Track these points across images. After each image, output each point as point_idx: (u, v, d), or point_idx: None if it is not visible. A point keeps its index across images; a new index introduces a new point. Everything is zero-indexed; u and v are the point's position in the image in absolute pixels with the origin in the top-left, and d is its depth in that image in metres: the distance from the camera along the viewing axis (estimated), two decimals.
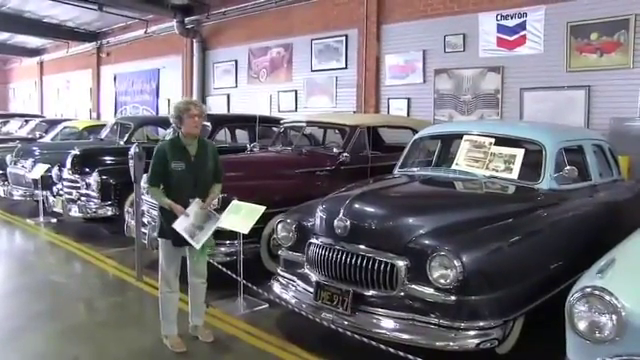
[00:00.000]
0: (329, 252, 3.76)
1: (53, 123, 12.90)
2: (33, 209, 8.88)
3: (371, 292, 3.54)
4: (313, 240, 3.96)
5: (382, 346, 3.36)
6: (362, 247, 3.62)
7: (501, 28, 8.08)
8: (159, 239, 3.95)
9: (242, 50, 12.53)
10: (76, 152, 7.77)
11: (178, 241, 3.84)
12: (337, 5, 10.36)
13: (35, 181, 8.33)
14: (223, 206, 4.64)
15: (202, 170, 3.90)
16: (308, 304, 3.86)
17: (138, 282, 5.44)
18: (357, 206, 3.76)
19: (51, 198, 8.14)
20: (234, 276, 4.68)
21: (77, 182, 7.56)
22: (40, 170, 8.14)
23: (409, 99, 9.34)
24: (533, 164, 4.45)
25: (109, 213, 7.33)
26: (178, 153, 3.82)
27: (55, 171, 8.00)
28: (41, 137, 11.99)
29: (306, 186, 5.79)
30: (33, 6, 14.84)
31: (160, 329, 3.98)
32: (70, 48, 19.08)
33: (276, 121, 8.44)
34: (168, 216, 3.81)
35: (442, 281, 3.27)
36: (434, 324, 3.31)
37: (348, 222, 3.68)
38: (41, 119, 14.64)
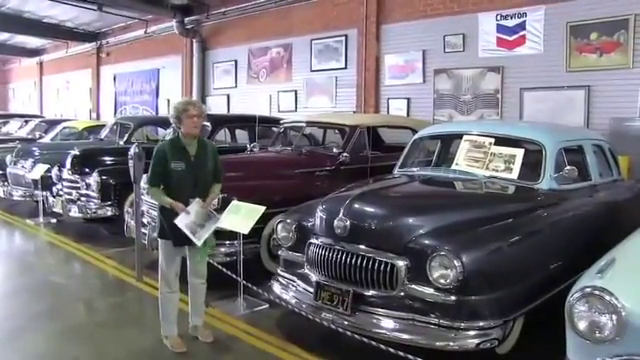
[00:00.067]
0: (329, 252, 3.76)
1: (53, 123, 12.90)
2: (33, 209, 8.88)
3: (371, 292, 3.55)
4: (313, 240, 3.96)
5: (382, 346, 3.36)
6: (362, 247, 3.62)
7: (501, 28, 8.08)
8: (159, 239, 3.95)
9: (242, 50, 12.52)
10: (76, 152, 7.77)
11: (178, 241, 3.84)
12: (337, 5, 10.35)
13: (35, 181, 8.32)
14: (223, 206, 4.64)
15: (202, 170, 3.90)
16: (308, 304, 3.86)
17: (138, 282, 5.44)
18: (357, 206, 3.76)
19: (51, 198, 8.14)
20: (234, 276, 4.68)
21: (77, 182, 7.55)
22: (40, 170, 8.13)
23: (409, 99, 9.34)
24: (533, 164, 4.45)
25: (109, 213, 7.33)
26: (178, 153, 3.82)
27: (55, 171, 7.99)
28: (41, 137, 11.98)
29: (306, 186, 5.79)
30: (32, 6, 14.83)
31: (160, 329, 3.98)
32: (70, 48, 19.07)
33: (276, 121, 8.44)
34: (168, 216, 3.81)
35: (442, 281, 3.28)
36: (434, 324, 3.31)
37: (348, 222, 3.68)
38: (41, 119, 14.63)
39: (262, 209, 4.44)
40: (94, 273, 6.01)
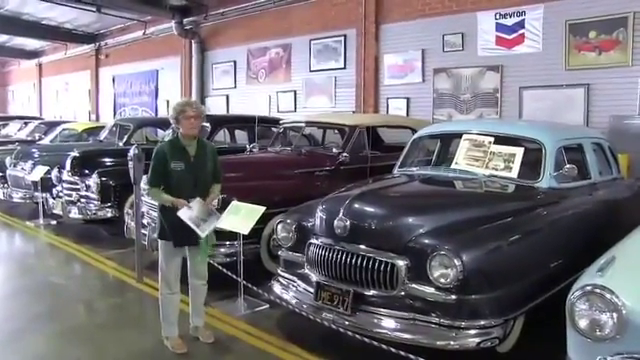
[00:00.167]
0: (329, 252, 3.76)
1: (52, 125, 12.88)
2: (33, 211, 8.87)
3: (371, 292, 3.54)
4: (313, 240, 3.96)
5: (383, 346, 3.36)
6: (362, 247, 3.62)
7: (500, 27, 8.08)
8: (159, 240, 3.95)
9: (241, 51, 12.53)
10: (75, 154, 7.77)
11: (179, 242, 3.84)
12: (335, 5, 10.36)
13: (35, 183, 8.31)
14: (223, 207, 4.63)
15: (202, 170, 3.90)
16: (308, 304, 3.86)
17: (138, 283, 5.44)
18: (357, 206, 3.76)
19: (51, 200, 8.13)
20: (234, 277, 4.67)
21: (77, 184, 7.56)
22: (40, 172, 8.12)
23: (408, 99, 9.35)
24: (533, 163, 4.45)
25: (109, 215, 7.33)
26: (177, 153, 3.82)
27: (55, 173, 7.99)
28: (40, 139, 11.97)
29: (306, 186, 5.78)
30: (31, 8, 14.81)
31: (160, 330, 3.97)
32: (68, 50, 19.08)
33: (275, 121, 8.43)
34: (168, 217, 3.81)
35: (442, 280, 3.27)
36: (435, 323, 3.31)
37: (348, 222, 3.68)
38: (40, 121, 14.61)
39: (262, 209, 4.44)
40: (94, 274, 6.01)
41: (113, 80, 17.47)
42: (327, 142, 7.70)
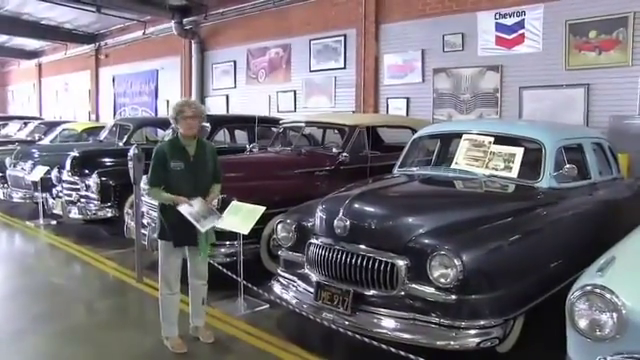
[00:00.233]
0: (329, 252, 3.76)
1: (52, 125, 12.88)
2: (33, 211, 8.87)
3: (371, 292, 3.54)
4: (313, 240, 3.96)
5: (383, 346, 3.36)
6: (362, 247, 3.62)
7: (500, 27, 8.08)
8: (159, 240, 3.95)
9: (240, 51, 12.52)
10: (75, 154, 7.77)
11: (179, 242, 3.84)
12: (335, 5, 10.35)
13: (35, 183, 8.31)
14: (223, 207, 4.63)
15: (201, 170, 3.90)
16: (309, 304, 3.86)
17: (138, 283, 5.44)
18: (357, 206, 3.76)
19: (51, 200, 8.14)
20: (234, 277, 4.68)
21: (77, 184, 7.56)
22: (39, 172, 8.13)
23: (408, 99, 9.34)
24: (533, 163, 4.45)
25: (109, 215, 7.33)
26: (177, 153, 3.83)
27: (54, 173, 7.99)
28: (40, 139, 11.97)
29: (306, 186, 5.79)
30: (31, 8, 14.81)
31: (160, 330, 3.97)
32: (68, 50, 19.07)
33: (275, 121, 8.44)
34: (168, 217, 3.82)
35: (442, 280, 3.28)
36: (435, 323, 3.31)
37: (348, 222, 3.68)
38: (40, 121, 14.62)
39: (262, 209, 4.44)
40: (94, 274, 6.01)
41: (113, 80, 17.47)
42: (327, 142, 7.70)
